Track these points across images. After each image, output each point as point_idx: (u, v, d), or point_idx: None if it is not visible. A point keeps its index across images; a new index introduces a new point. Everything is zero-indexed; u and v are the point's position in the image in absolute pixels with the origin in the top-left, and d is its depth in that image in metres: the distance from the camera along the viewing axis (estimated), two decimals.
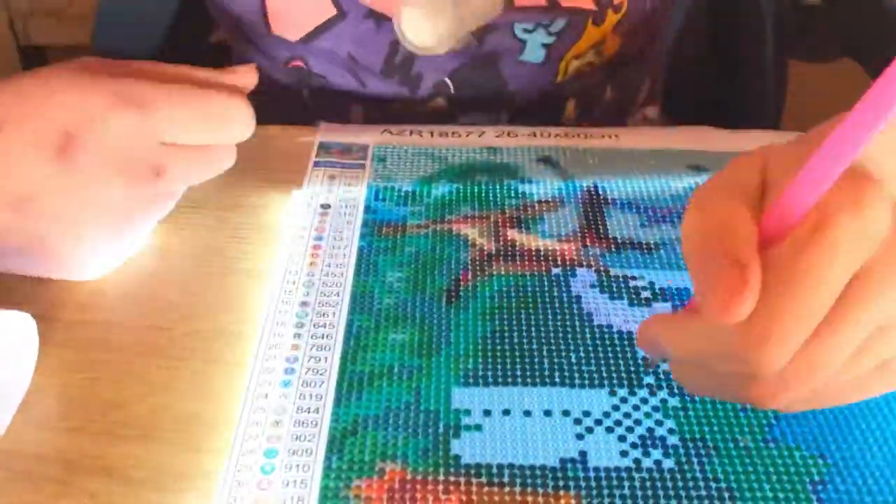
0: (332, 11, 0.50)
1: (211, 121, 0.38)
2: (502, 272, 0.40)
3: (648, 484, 0.32)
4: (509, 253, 0.41)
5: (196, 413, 0.35)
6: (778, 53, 0.59)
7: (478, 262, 0.41)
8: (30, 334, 0.35)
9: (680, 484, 0.32)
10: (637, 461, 0.33)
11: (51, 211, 0.36)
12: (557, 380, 0.35)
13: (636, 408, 0.34)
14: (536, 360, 0.36)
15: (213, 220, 0.44)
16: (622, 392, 0.35)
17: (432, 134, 0.49)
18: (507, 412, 0.34)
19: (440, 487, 0.32)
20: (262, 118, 0.41)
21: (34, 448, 0.33)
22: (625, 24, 0.53)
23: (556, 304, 0.39)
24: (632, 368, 0.36)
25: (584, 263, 0.41)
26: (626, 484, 0.32)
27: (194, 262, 0.41)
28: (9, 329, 0.34)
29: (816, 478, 0.32)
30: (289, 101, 0.57)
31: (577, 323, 0.38)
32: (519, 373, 0.36)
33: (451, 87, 0.53)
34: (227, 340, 0.37)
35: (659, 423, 0.34)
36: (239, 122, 0.39)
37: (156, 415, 0.35)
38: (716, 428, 0.34)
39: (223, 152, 0.40)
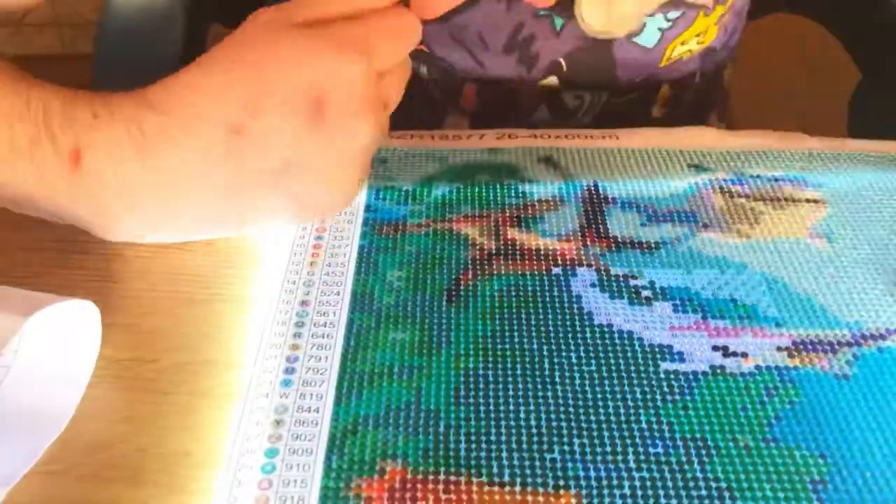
0: None
1: (407, 43, 0.40)
2: (503, 271, 0.40)
3: (649, 483, 0.32)
4: (510, 252, 0.41)
5: (185, 452, 0.33)
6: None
7: (478, 262, 0.41)
8: (94, 320, 0.36)
9: (680, 484, 0.32)
10: (637, 460, 0.33)
11: (309, 173, 0.38)
12: (557, 379, 0.35)
13: (636, 407, 0.34)
14: (536, 359, 0.36)
15: (202, 246, 0.42)
16: (622, 391, 0.35)
17: (433, 137, 0.49)
18: (507, 411, 0.34)
19: (440, 487, 0.32)
20: None
21: (17, 497, 0.31)
22: (724, 17, 0.57)
23: (557, 304, 0.39)
24: (632, 367, 0.36)
25: (585, 263, 0.41)
26: (627, 484, 0.32)
27: (180, 290, 0.40)
28: (74, 316, 0.35)
29: (816, 478, 0.32)
30: (410, 79, 0.60)
31: (577, 322, 0.38)
32: (519, 372, 0.36)
33: (565, 67, 0.56)
34: (215, 372, 0.36)
35: (659, 422, 0.34)
36: (416, 33, 0.41)
37: (143, 455, 0.33)
38: (716, 428, 0.34)
39: (407, 65, 0.42)
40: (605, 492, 0.31)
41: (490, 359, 0.36)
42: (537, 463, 0.32)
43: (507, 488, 0.32)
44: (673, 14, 0.55)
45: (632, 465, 0.32)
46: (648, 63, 0.58)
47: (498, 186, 0.45)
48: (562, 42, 0.55)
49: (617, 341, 0.37)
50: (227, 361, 0.36)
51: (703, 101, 0.65)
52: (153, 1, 0.61)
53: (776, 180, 0.46)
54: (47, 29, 1.36)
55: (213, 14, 0.67)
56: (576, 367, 0.36)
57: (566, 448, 0.33)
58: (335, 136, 0.37)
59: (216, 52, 0.38)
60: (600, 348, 0.37)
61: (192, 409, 0.35)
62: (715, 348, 0.37)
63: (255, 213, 0.39)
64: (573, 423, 0.34)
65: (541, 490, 0.32)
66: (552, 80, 0.57)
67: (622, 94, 0.59)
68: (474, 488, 0.32)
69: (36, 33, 1.36)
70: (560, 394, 0.35)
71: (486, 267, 0.41)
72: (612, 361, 0.36)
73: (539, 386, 0.35)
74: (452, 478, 0.32)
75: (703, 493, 0.31)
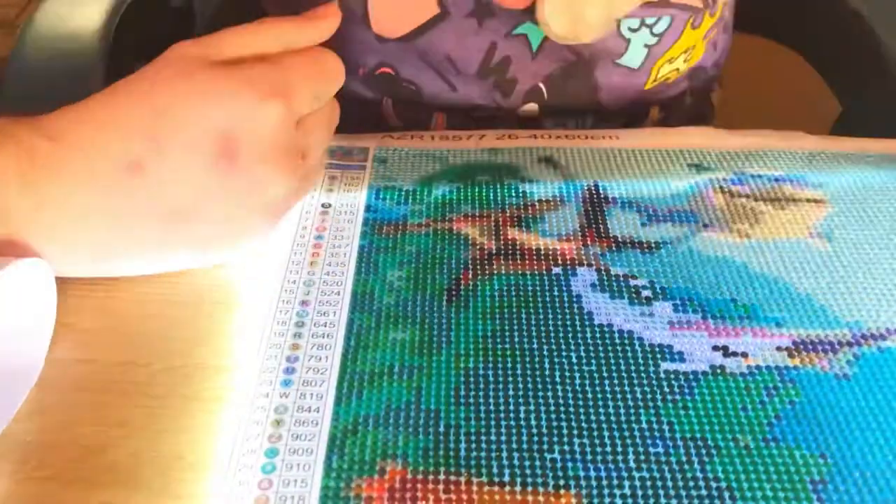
0: (436, 10, 0.49)
1: (329, 85, 0.39)
2: (503, 271, 0.40)
3: (649, 483, 0.32)
4: (510, 252, 0.41)
5: (179, 455, 0.33)
6: None
7: (478, 261, 0.41)
8: (47, 278, 0.35)
9: (680, 484, 0.32)
10: (637, 460, 0.33)
11: (215, 219, 0.36)
12: (558, 379, 0.35)
13: (636, 407, 0.34)
14: (536, 359, 0.36)
15: None
16: (622, 391, 0.35)
17: (433, 137, 0.49)
18: (507, 411, 0.34)
19: (441, 487, 0.32)
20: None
21: (8, 502, 0.31)
22: (711, 33, 0.54)
23: (557, 303, 0.39)
24: (632, 367, 0.36)
25: (585, 262, 0.41)
26: (627, 483, 0.32)
27: (172, 293, 0.39)
28: (26, 277, 0.34)
29: (816, 478, 0.32)
30: (367, 111, 0.56)
31: (577, 322, 0.38)
32: (519, 372, 0.36)
33: (545, 92, 0.53)
34: (208, 375, 0.36)
35: (659, 422, 0.34)
36: (340, 74, 0.39)
37: (136, 459, 0.33)
38: (716, 428, 0.34)
39: (335, 108, 0.41)
40: (605, 492, 0.31)
41: (490, 359, 0.36)
42: (537, 463, 0.32)
43: (507, 488, 0.32)
44: (659, 27, 0.52)
45: (632, 465, 0.32)
46: (634, 85, 0.54)
47: (498, 186, 0.45)
48: (539, 64, 0.52)
49: (617, 341, 0.37)
50: (219, 364, 0.36)
51: (695, 124, 0.62)
52: (72, 36, 0.55)
53: (777, 180, 0.46)
54: None
55: (134, 50, 0.60)
56: (576, 367, 0.36)
57: (566, 448, 0.33)
58: (242, 184, 0.35)
59: (122, 85, 0.35)
60: (600, 348, 0.37)
61: (185, 413, 0.34)
62: (715, 348, 0.37)
63: (148, 253, 0.37)
64: (573, 423, 0.34)
65: (541, 490, 0.32)
66: (532, 107, 0.54)
67: (608, 119, 0.56)
68: (474, 488, 0.32)
69: None
70: (560, 394, 0.35)
71: (487, 267, 0.41)
72: (612, 361, 0.36)
73: (539, 386, 0.35)
74: (452, 478, 0.32)
75: (703, 493, 0.31)
